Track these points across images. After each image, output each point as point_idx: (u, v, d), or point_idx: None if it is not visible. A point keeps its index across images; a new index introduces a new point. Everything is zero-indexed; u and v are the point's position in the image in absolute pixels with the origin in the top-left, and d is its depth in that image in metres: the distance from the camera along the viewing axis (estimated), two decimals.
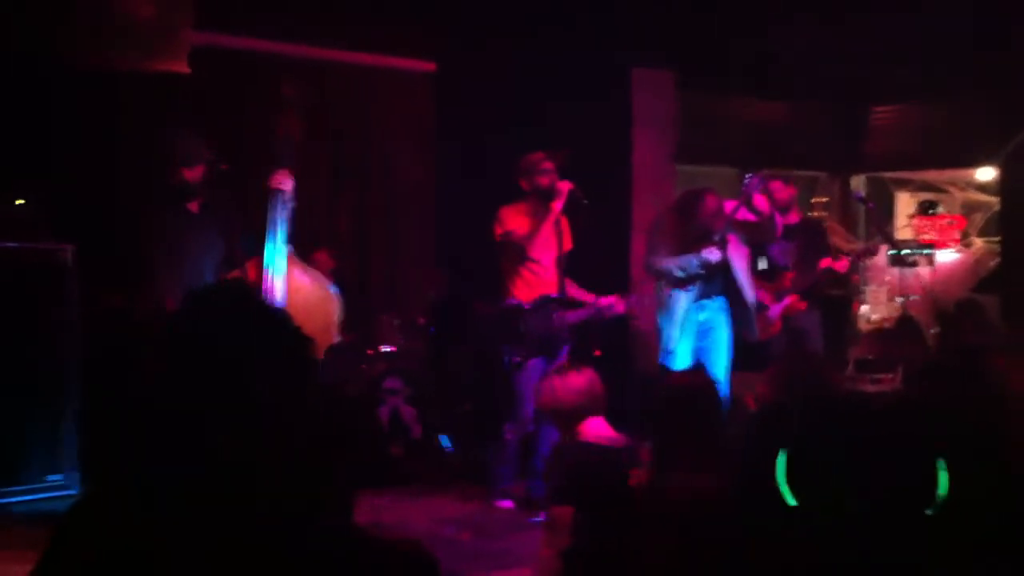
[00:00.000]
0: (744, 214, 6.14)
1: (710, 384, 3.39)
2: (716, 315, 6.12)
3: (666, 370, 5.72)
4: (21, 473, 5.57)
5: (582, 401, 3.91)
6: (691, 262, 5.96)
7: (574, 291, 5.93)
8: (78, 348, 5.66)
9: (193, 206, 5.15)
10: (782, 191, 6.74)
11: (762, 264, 6.83)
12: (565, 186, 5.77)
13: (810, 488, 1.62)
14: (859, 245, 7.40)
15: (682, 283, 6.01)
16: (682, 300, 6.00)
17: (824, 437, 1.69)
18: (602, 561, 3.26)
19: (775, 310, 6.78)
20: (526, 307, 5.82)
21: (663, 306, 6.09)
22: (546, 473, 4.22)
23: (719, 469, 3.05)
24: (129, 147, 6.33)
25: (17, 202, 5.96)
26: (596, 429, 3.85)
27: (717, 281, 6.09)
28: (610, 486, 3.39)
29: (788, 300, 6.81)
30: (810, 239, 7.02)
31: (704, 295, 6.07)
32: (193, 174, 5.10)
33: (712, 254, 5.93)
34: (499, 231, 5.89)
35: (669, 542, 2.70)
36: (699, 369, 4.73)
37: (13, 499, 5.49)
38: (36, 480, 5.59)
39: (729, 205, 6.13)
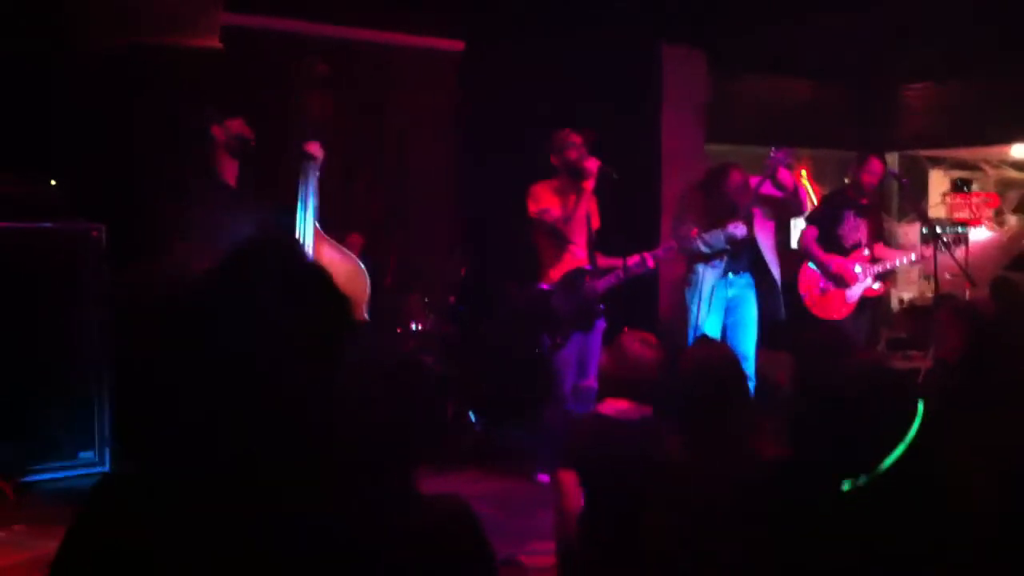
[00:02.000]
0: (769, 189, 6.12)
1: (728, 355, 3.37)
2: (744, 291, 6.10)
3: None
4: (54, 450, 5.64)
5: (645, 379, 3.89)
6: (717, 237, 5.94)
7: (603, 261, 5.92)
8: (111, 326, 5.71)
9: (223, 174, 5.15)
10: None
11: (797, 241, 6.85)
12: (593, 164, 5.75)
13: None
14: (895, 256, 7.32)
15: (708, 259, 5.99)
16: (709, 276, 5.98)
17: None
18: (613, 530, 3.28)
19: (856, 291, 6.78)
20: (553, 289, 5.82)
21: (690, 283, 6.08)
22: (560, 439, 4.25)
23: (744, 444, 3.05)
24: (160, 125, 6.35)
25: (51, 182, 6.02)
26: (615, 403, 3.83)
27: (744, 257, 6.07)
28: (619, 458, 3.41)
29: (871, 283, 6.83)
30: (875, 219, 7.04)
31: (731, 271, 6.05)
32: (240, 130, 5.10)
33: (738, 229, 5.91)
34: (533, 208, 5.90)
35: (684, 518, 2.69)
36: (713, 340, 4.73)
37: (46, 476, 5.56)
38: (69, 457, 5.66)
39: (754, 180, 6.10)
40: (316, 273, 1.48)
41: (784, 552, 1.70)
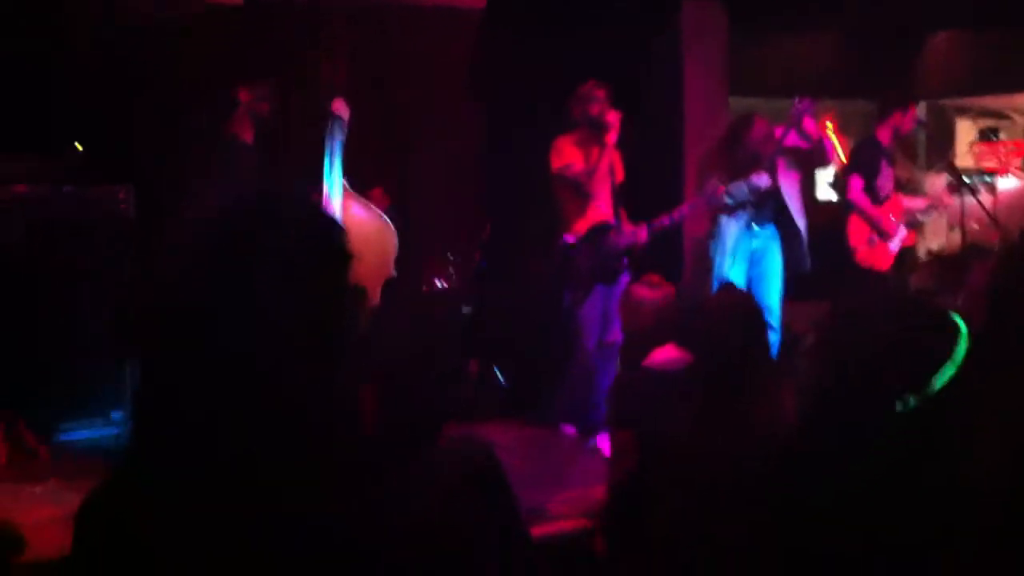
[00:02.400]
0: (793, 139, 6.07)
1: (751, 302, 3.38)
2: (768, 243, 6.08)
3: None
4: (86, 410, 5.71)
5: (652, 323, 3.90)
6: (741, 188, 5.91)
7: (626, 224, 5.92)
8: (137, 287, 5.77)
9: (247, 136, 5.16)
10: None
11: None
12: (615, 117, 5.73)
13: None
14: (922, 202, 7.30)
15: (732, 210, 5.97)
16: (733, 228, 5.96)
17: None
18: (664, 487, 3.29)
19: (896, 243, 6.77)
20: (577, 243, 5.82)
21: (714, 235, 6.06)
22: (610, 399, 4.26)
23: (768, 392, 3.05)
24: (182, 87, 6.37)
25: (76, 146, 6.06)
26: (664, 354, 3.83)
27: (768, 208, 6.04)
28: (672, 415, 3.41)
29: (907, 233, 6.80)
30: (895, 168, 7.02)
31: (755, 222, 6.02)
32: (248, 96, 5.11)
33: (761, 179, 5.88)
34: (556, 163, 5.88)
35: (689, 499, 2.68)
36: (736, 287, 4.71)
37: (78, 434, 5.64)
38: (100, 416, 5.73)
39: (778, 131, 6.06)
40: (330, 236, 1.44)
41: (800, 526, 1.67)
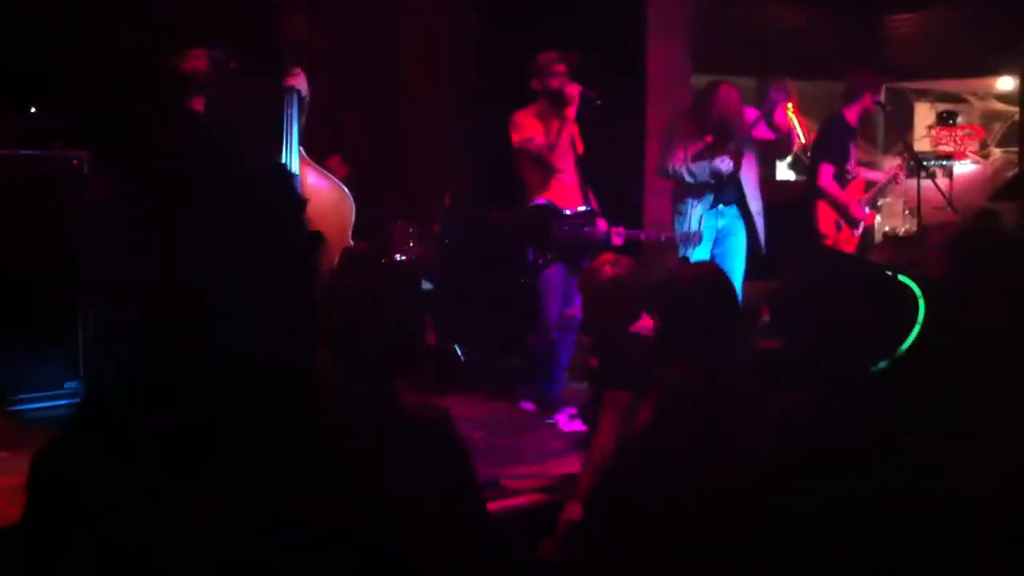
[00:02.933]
0: (762, 131, 6.09)
1: (720, 271, 3.39)
2: (733, 222, 6.10)
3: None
4: (38, 380, 5.62)
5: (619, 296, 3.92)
6: (703, 169, 5.91)
7: (603, 223, 5.88)
8: (91, 254, 5.66)
9: (196, 103, 5.09)
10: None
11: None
12: (574, 89, 5.70)
13: None
14: (881, 175, 7.36)
15: (693, 190, 5.97)
16: (698, 207, 5.98)
17: None
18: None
19: (860, 228, 6.82)
20: (567, 212, 5.78)
21: (680, 211, 6.06)
22: (605, 362, 4.27)
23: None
24: (138, 50, 6.26)
25: (31, 110, 5.95)
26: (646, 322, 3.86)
27: (731, 189, 6.05)
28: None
29: (870, 213, 6.85)
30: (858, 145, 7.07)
31: (720, 202, 6.04)
32: (195, 64, 5.03)
33: (724, 163, 5.88)
34: (516, 138, 5.84)
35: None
36: (708, 263, 4.75)
37: (31, 406, 5.54)
38: (53, 387, 5.64)
39: (750, 114, 6.06)
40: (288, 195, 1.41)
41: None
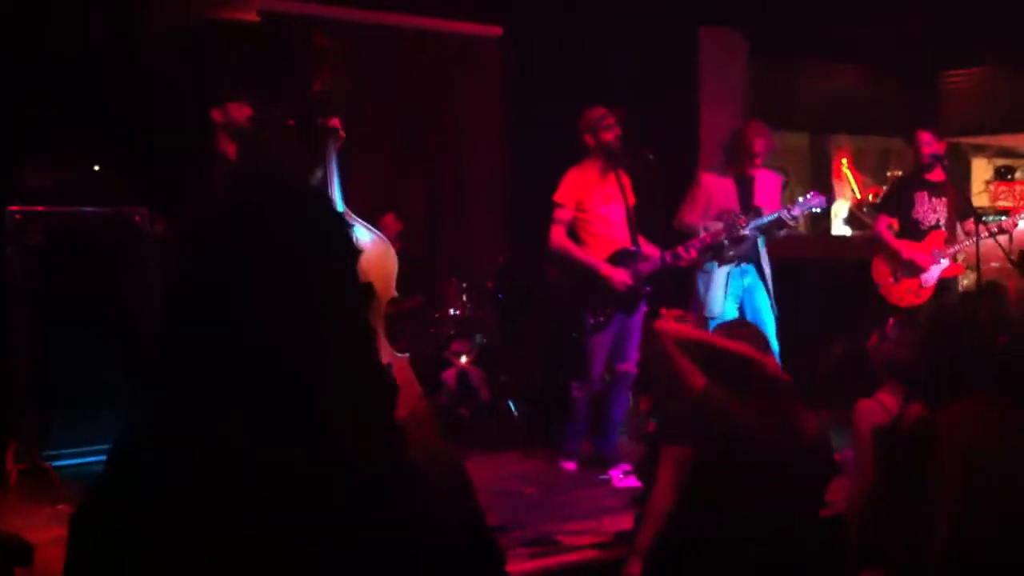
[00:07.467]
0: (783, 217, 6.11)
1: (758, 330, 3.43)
2: (756, 280, 6.15)
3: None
4: (101, 434, 5.65)
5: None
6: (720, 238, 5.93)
7: (646, 247, 5.84)
8: (156, 310, 5.71)
9: (229, 151, 5.12)
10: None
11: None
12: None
13: None
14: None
15: (715, 252, 6.01)
16: (723, 266, 6.01)
17: None
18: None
19: (933, 274, 6.62)
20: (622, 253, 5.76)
21: (706, 270, 6.07)
22: (663, 416, 4.26)
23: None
24: (197, 109, 6.39)
25: (94, 168, 6.07)
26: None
27: (754, 249, 6.09)
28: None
29: (949, 264, 6.67)
30: (953, 198, 6.82)
31: (745, 260, 6.07)
32: (238, 113, 5.10)
33: (817, 199, 6.04)
34: (555, 197, 5.80)
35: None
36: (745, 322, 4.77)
37: (94, 459, 5.57)
38: (97, 442, 5.64)
39: (777, 199, 6.18)
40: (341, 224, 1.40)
41: None
